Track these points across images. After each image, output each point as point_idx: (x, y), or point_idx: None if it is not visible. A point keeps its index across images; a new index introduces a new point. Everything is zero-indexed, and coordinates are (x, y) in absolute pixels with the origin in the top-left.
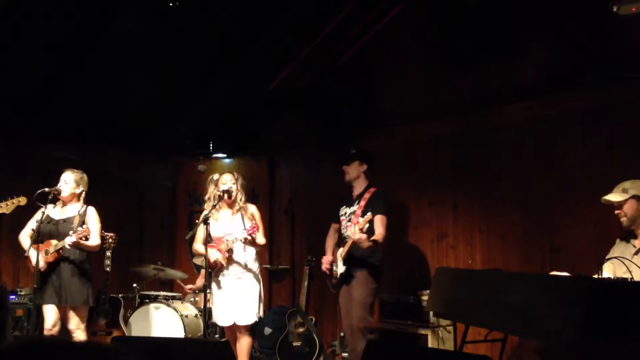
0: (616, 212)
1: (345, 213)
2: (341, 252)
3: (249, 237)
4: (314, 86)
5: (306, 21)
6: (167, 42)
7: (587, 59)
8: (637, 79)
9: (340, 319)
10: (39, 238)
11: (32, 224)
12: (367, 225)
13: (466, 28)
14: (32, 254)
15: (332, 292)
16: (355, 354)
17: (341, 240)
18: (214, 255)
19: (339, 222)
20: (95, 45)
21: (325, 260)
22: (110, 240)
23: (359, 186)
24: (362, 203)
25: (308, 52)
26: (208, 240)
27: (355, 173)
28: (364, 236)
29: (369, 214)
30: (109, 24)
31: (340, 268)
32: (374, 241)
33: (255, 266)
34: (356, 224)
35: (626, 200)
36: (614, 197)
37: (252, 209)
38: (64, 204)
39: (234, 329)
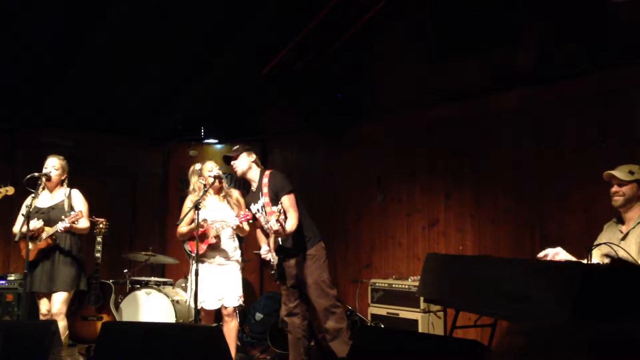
0: (614, 189)
1: (258, 210)
2: (272, 245)
3: (241, 225)
4: (308, 71)
5: (300, 5)
6: (159, 29)
7: (580, 46)
8: (629, 65)
9: (285, 304)
10: (28, 223)
11: (22, 211)
12: (281, 215)
13: (462, 14)
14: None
15: (274, 281)
16: (330, 332)
17: (268, 237)
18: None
19: (257, 220)
20: (87, 34)
21: (263, 250)
22: (101, 225)
23: (254, 177)
24: (265, 190)
25: (302, 37)
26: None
27: (245, 164)
28: (281, 228)
29: (279, 205)
30: (100, 12)
31: (274, 258)
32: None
33: (237, 254)
34: (272, 215)
35: (630, 181)
36: (620, 174)
37: (236, 194)
38: (51, 190)
39: (222, 313)
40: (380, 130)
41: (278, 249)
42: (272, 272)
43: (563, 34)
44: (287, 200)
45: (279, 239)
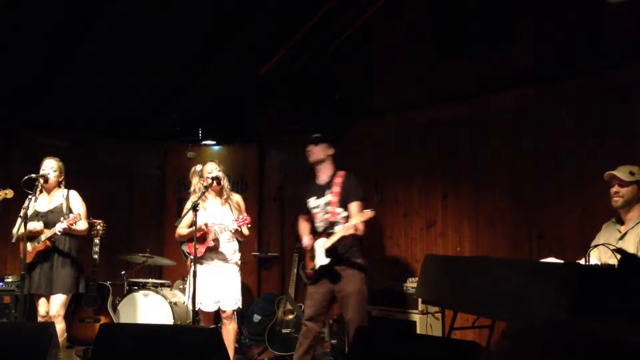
0: (614, 190)
1: (318, 205)
2: (324, 243)
3: (240, 229)
4: (305, 72)
5: (298, 6)
6: (157, 30)
7: (579, 46)
8: (627, 66)
9: (312, 308)
10: (26, 225)
11: (21, 214)
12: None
13: (461, 14)
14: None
15: (305, 281)
16: None
17: (316, 233)
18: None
19: (309, 214)
20: (85, 34)
21: (308, 241)
22: (98, 227)
23: (326, 171)
24: (336, 190)
25: (299, 37)
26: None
27: (321, 154)
28: (354, 228)
29: (369, 210)
30: (98, 12)
31: (321, 260)
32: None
33: (237, 257)
34: (352, 219)
35: (630, 182)
36: (621, 174)
37: (237, 198)
38: (48, 192)
39: (221, 315)
40: (379, 131)
41: (329, 252)
42: (311, 269)
43: (562, 34)
44: (358, 206)
45: (333, 240)
